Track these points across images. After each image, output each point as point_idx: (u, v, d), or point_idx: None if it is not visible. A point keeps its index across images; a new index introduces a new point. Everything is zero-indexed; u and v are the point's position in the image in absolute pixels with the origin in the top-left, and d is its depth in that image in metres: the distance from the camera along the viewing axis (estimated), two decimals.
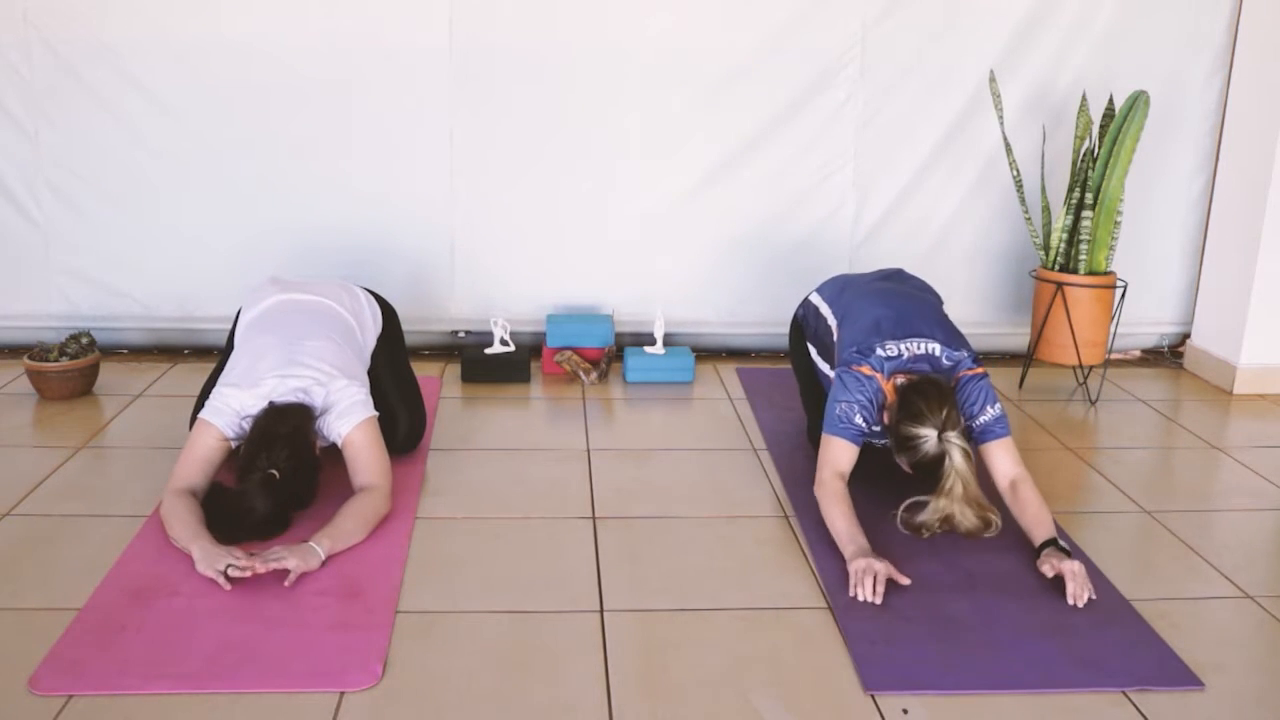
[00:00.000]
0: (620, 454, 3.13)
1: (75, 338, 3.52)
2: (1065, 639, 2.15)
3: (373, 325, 3.03)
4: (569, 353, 3.84)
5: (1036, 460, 3.16)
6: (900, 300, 2.83)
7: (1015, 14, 3.91)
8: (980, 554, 2.48)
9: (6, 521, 2.59)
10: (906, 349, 2.62)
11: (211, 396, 2.60)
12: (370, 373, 2.88)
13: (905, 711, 1.92)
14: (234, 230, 3.95)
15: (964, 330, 2.84)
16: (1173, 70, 4.00)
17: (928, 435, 2.44)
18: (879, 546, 2.45)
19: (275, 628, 2.11)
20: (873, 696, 1.96)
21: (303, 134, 3.89)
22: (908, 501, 2.56)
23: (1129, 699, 1.97)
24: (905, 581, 2.32)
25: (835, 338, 2.85)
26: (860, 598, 2.26)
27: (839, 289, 3.04)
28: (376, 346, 3.01)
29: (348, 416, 2.59)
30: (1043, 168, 3.85)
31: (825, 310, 2.99)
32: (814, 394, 3.08)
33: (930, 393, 2.48)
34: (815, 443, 2.85)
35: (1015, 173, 3.76)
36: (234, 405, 2.55)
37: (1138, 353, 4.39)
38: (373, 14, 3.79)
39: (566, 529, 2.62)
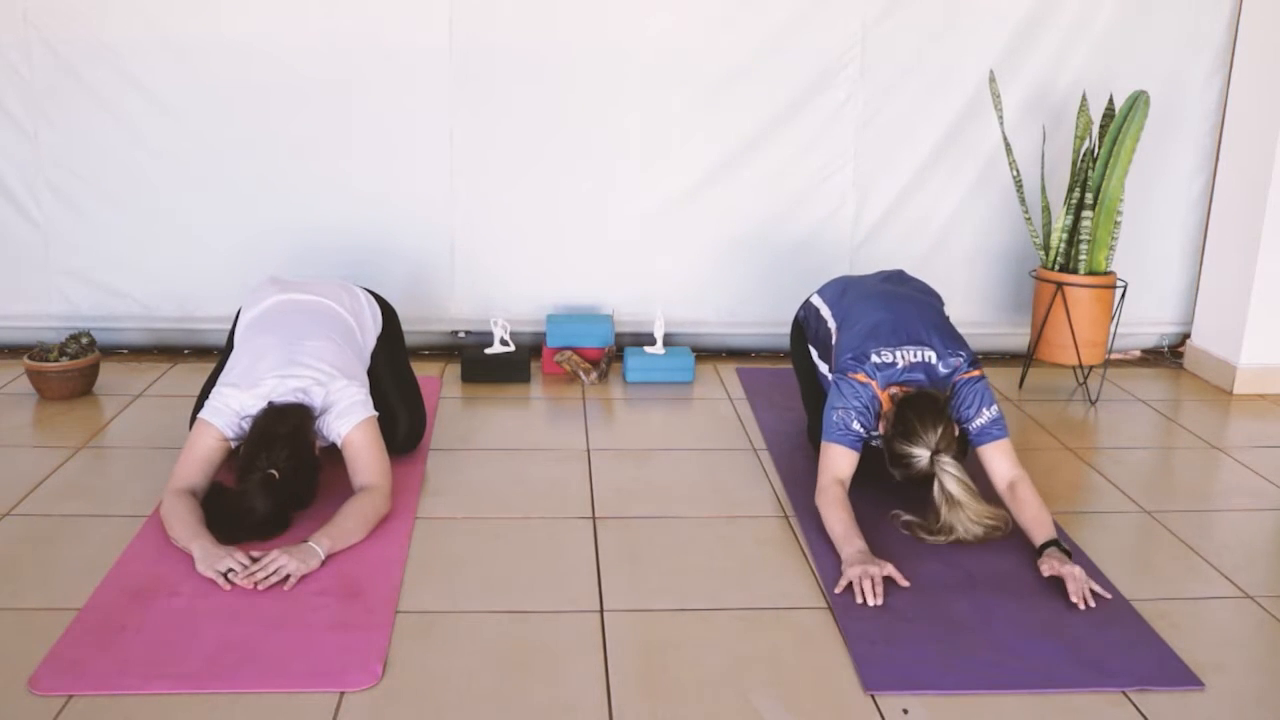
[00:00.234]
0: (620, 454, 3.13)
1: (75, 338, 3.52)
2: (1065, 639, 2.15)
3: (373, 325, 3.03)
4: (569, 353, 3.84)
5: (1036, 460, 3.16)
6: (899, 304, 2.82)
7: (1015, 14, 3.91)
8: (980, 554, 2.48)
9: (6, 521, 2.59)
10: (902, 356, 2.63)
11: (211, 396, 2.60)
12: (370, 373, 2.88)
13: (905, 711, 1.92)
14: (234, 230, 3.95)
15: (964, 330, 2.85)
16: (1173, 70, 4.00)
17: (920, 455, 2.47)
18: (879, 547, 2.46)
19: (275, 628, 2.11)
20: (873, 696, 1.96)
21: (303, 134, 3.89)
22: (907, 518, 2.57)
23: (1129, 699, 1.97)
24: (905, 583, 2.32)
25: (834, 341, 2.85)
26: (859, 603, 2.26)
27: (840, 291, 3.04)
28: (376, 346, 3.01)
29: (347, 416, 2.59)
30: (1043, 168, 3.85)
31: (826, 313, 2.99)
32: (815, 394, 3.08)
33: (925, 410, 2.50)
34: (815, 443, 2.86)
35: (1015, 173, 3.76)
36: (234, 405, 2.55)
37: (1138, 353, 4.39)
38: (373, 14, 3.79)
39: (566, 529, 2.62)
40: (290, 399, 2.57)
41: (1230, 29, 3.97)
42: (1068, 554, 2.39)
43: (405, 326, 3.30)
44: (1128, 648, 2.12)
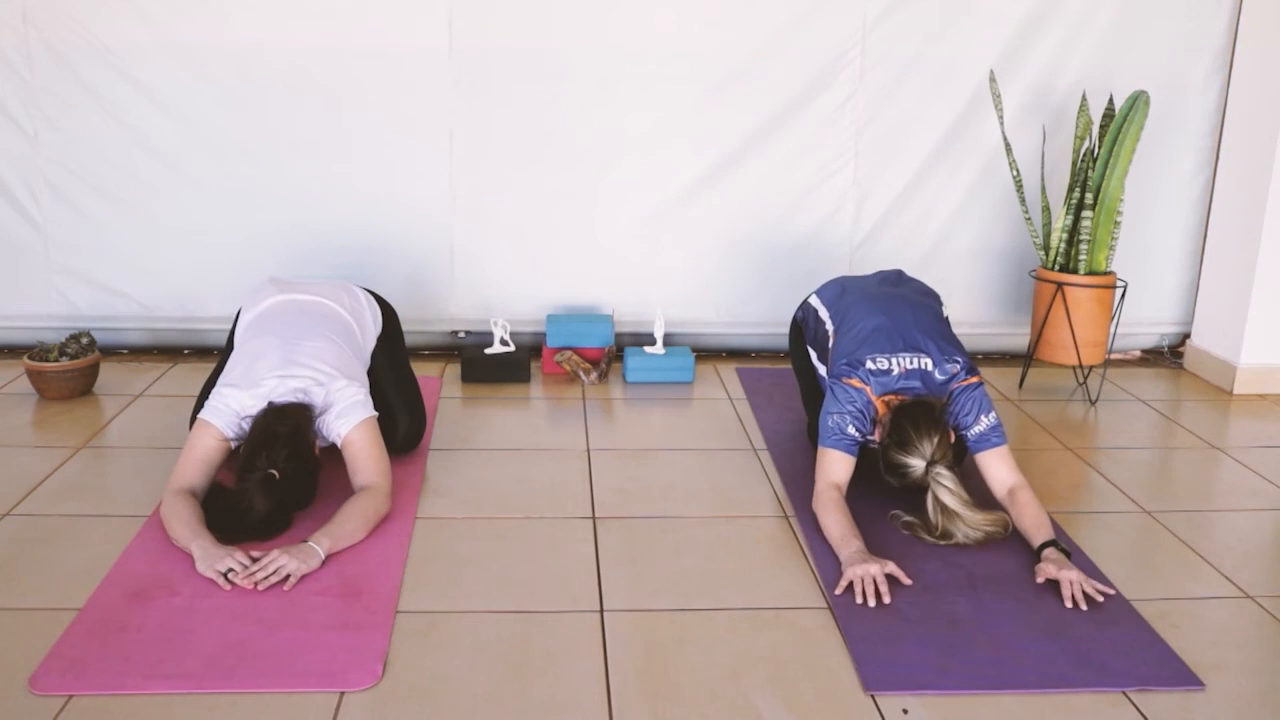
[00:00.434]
0: (620, 454, 3.13)
1: (75, 338, 3.52)
2: (1065, 639, 2.15)
3: (373, 325, 3.03)
4: (569, 353, 3.84)
5: (1036, 460, 3.16)
6: (897, 308, 2.82)
7: (1015, 14, 3.91)
8: (980, 554, 2.48)
9: (6, 521, 2.59)
10: (898, 363, 2.63)
11: (211, 397, 2.60)
12: (370, 373, 2.88)
13: (905, 711, 1.92)
14: (234, 230, 3.95)
15: (964, 330, 2.85)
16: (1173, 70, 4.00)
17: (916, 466, 2.49)
18: (879, 547, 2.46)
19: (275, 628, 2.11)
20: (873, 696, 1.96)
21: (303, 134, 3.89)
22: (907, 519, 2.58)
23: (1129, 699, 1.97)
24: (907, 581, 2.32)
25: (831, 344, 2.85)
26: (859, 603, 2.26)
27: (838, 292, 3.04)
28: (376, 347, 3.01)
29: (347, 416, 2.59)
30: (1043, 168, 3.85)
31: (824, 314, 2.99)
32: (815, 394, 3.08)
33: (920, 419, 2.51)
34: (815, 442, 2.86)
35: (1015, 173, 3.76)
36: (234, 406, 2.55)
37: (1138, 353, 4.39)
38: (372, 15, 3.79)
39: (566, 529, 2.62)
40: (290, 399, 2.57)
41: (1230, 29, 3.97)
42: (1066, 553, 2.39)
43: (405, 326, 3.30)
44: (1128, 648, 2.12)
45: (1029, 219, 3.79)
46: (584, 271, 4.09)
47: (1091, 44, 3.96)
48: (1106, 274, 3.71)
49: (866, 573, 2.29)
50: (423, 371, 3.71)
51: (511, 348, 3.88)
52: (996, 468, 2.58)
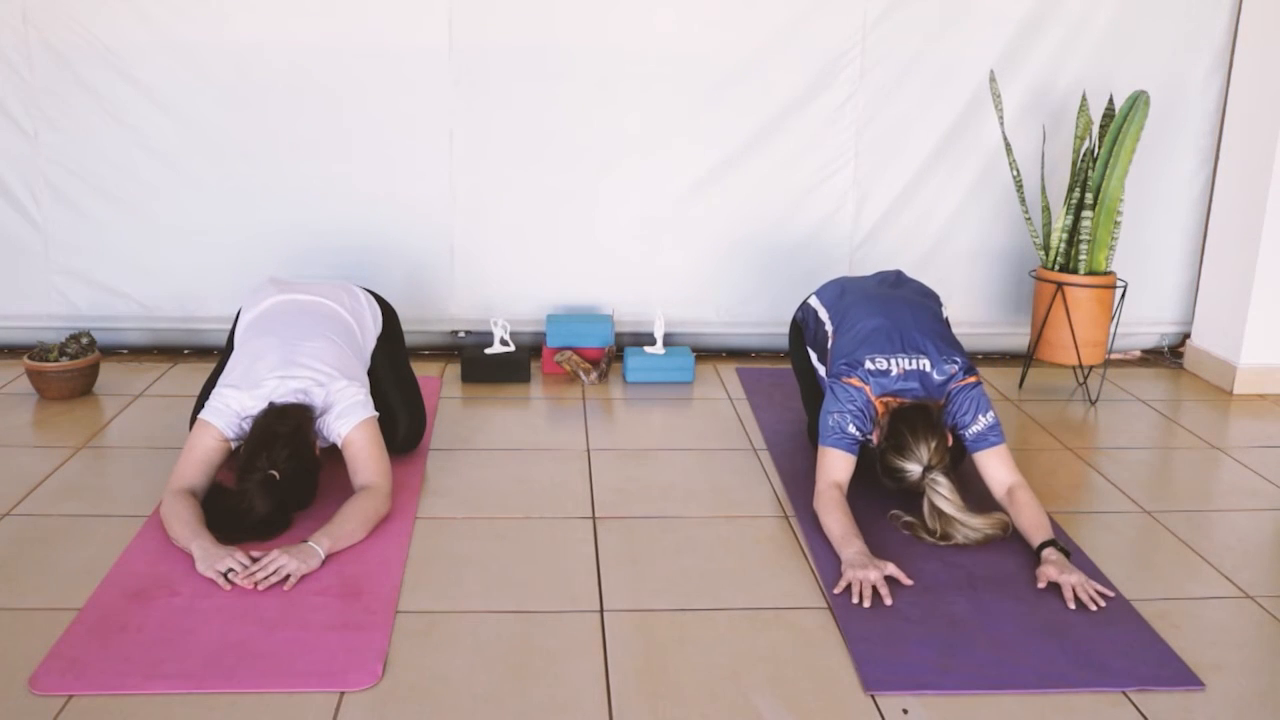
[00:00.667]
0: (620, 454, 3.13)
1: (75, 338, 3.52)
2: (1065, 639, 2.15)
3: (373, 325, 3.03)
4: (569, 353, 3.84)
5: (1036, 460, 3.16)
6: (896, 309, 2.82)
7: (1015, 14, 3.91)
8: (980, 554, 2.48)
9: (6, 521, 2.59)
10: (896, 364, 2.64)
11: (211, 397, 2.60)
12: (370, 373, 2.88)
13: (905, 711, 1.92)
14: (234, 230, 3.95)
15: (964, 330, 2.85)
16: (1173, 70, 4.00)
17: (913, 470, 2.50)
18: (879, 547, 2.46)
19: (275, 628, 2.11)
20: (873, 696, 1.96)
21: (303, 134, 3.89)
22: (907, 519, 2.58)
23: (1129, 699, 1.97)
24: (907, 581, 2.32)
25: (830, 344, 2.86)
26: (856, 603, 2.26)
27: (838, 293, 3.04)
28: (376, 347, 3.01)
29: (347, 416, 2.59)
30: (1043, 168, 3.85)
31: (823, 315, 2.99)
32: (815, 394, 3.08)
33: (918, 424, 2.52)
34: (815, 442, 2.86)
35: (1015, 173, 3.76)
36: (234, 406, 2.55)
37: (1138, 353, 4.39)
38: (372, 15, 3.79)
39: (566, 529, 2.62)
40: (290, 399, 2.57)
41: (1230, 29, 3.97)
42: (1066, 553, 2.39)
43: (405, 326, 3.30)
44: (1128, 648, 2.12)
45: (1029, 219, 3.79)
46: (584, 271, 4.09)
47: (1091, 44, 3.96)
48: (1106, 274, 3.71)
49: (865, 577, 2.29)
50: (423, 371, 3.71)
51: (511, 348, 3.88)
52: (995, 467, 2.59)
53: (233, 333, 2.93)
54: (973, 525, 2.47)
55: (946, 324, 2.94)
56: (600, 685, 1.98)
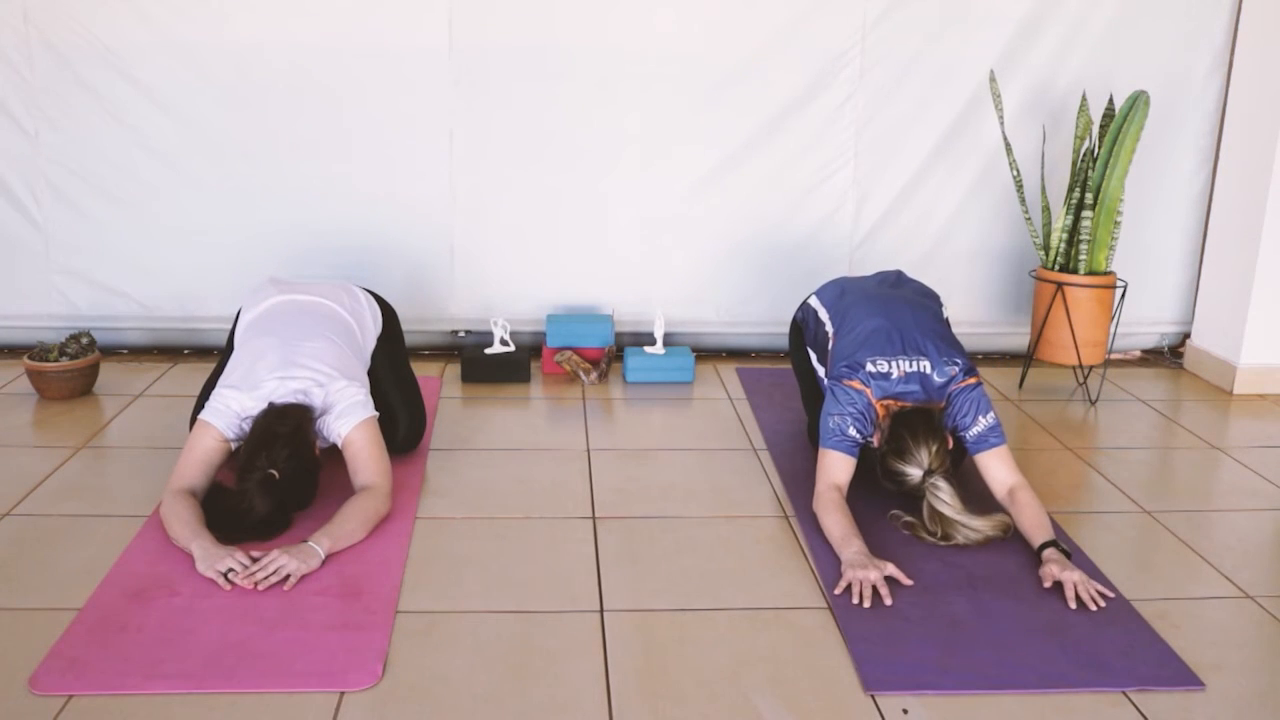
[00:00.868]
0: (620, 454, 3.13)
1: (75, 338, 3.52)
2: (1065, 639, 2.15)
3: (373, 326, 3.03)
4: (569, 353, 3.84)
5: (1036, 460, 3.16)
6: (897, 309, 2.82)
7: (1015, 14, 3.91)
8: (980, 554, 2.48)
9: (6, 521, 2.59)
10: (897, 366, 2.64)
11: (212, 398, 2.60)
12: (370, 373, 2.88)
13: (905, 711, 1.92)
14: (234, 230, 3.95)
15: (964, 330, 2.85)
16: (1173, 70, 4.00)
17: (913, 474, 2.51)
18: (879, 547, 2.46)
19: (275, 628, 2.11)
20: (873, 696, 1.96)
21: (303, 134, 3.89)
22: (907, 519, 2.58)
23: (1129, 699, 1.97)
24: (907, 582, 2.32)
25: (831, 346, 2.86)
26: (855, 603, 2.26)
27: (838, 294, 3.04)
28: (376, 347, 3.01)
29: (347, 417, 2.59)
30: (1043, 168, 3.85)
31: (824, 315, 2.99)
32: (815, 394, 3.08)
33: (919, 428, 2.53)
34: (815, 443, 2.86)
35: (1015, 173, 3.76)
36: (234, 407, 2.55)
37: (1138, 353, 4.39)
38: (372, 15, 3.79)
39: (566, 529, 2.62)
40: (290, 400, 2.57)
41: (1230, 29, 3.97)
42: (1066, 554, 2.39)
43: (405, 326, 3.30)
44: (1128, 648, 2.12)
45: (1029, 219, 3.79)
46: (584, 271, 4.09)
47: (1091, 44, 3.96)
48: (1106, 274, 3.71)
49: (865, 577, 2.29)
50: (423, 371, 3.71)
51: (511, 348, 3.88)
52: (996, 468, 2.59)
53: (233, 333, 2.93)
54: (973, 527, 2.48)
55: (947, 324, 2.94)
56: (600, 685, 1.98)
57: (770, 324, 4.13)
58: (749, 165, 4.01)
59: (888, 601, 2.25)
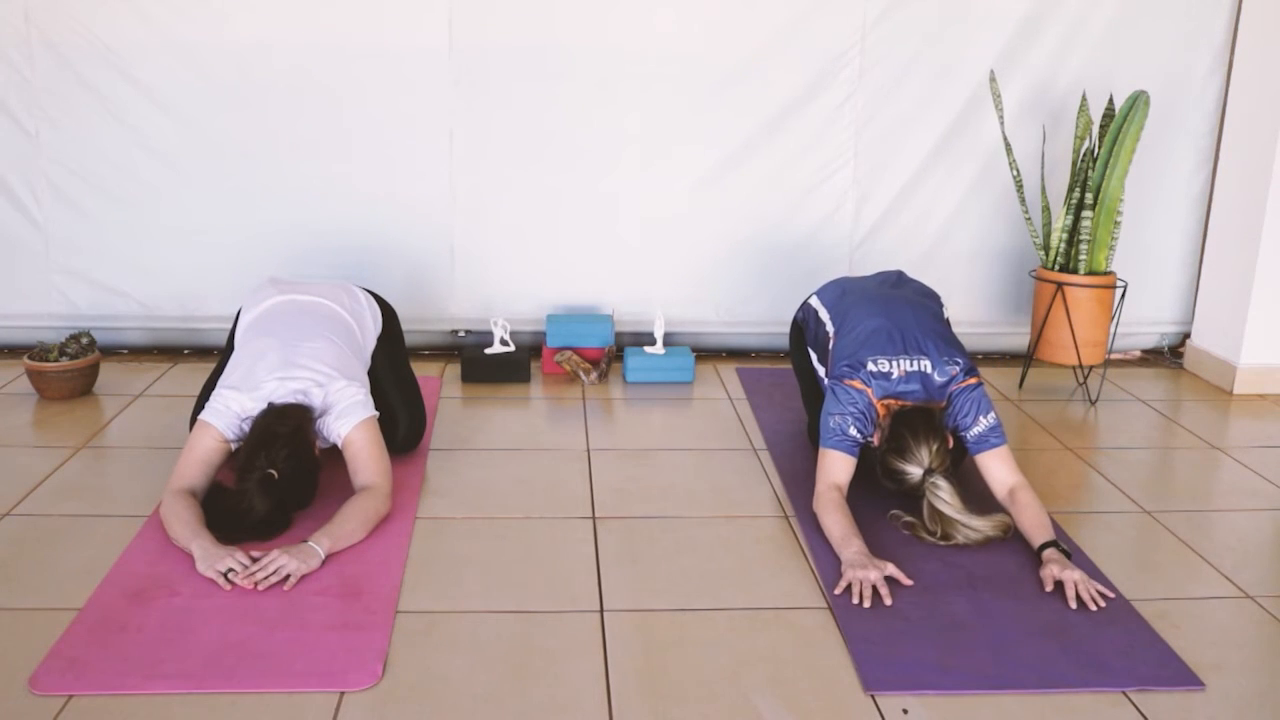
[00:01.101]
0: (620, 454, 3.13)
1: (75, 338, 3.52)
2: (1065, 639, 2.15)
3: (373, 326, 3.03)
4: (569, 353, 3.84)
5: (1036, 460, 3.16)
6: (897, 309, 2.82)
7: (1015, 14, 3.91)
8: (980, 554, 2.48)
9: (6, 521, 2.59)
10: (897, 366, 2.64)
11: (212, 398, 2.60)
12: (370, 373, 2.88)
13: (905, 711, 1.92)
14: (234, 230, 3.95)
15: (964, 330, 2.85)
16: (1173, 70, 4.00)
17: (913, 473, 2.51)
18: (879, 547, 2.46)
19: (275, 628, 2.11)
20: (873, 696, 1.96)
21: (303, 134, 3.89)
22: (907, 519, 2.58)
23: (1129, 699, 1.97)
24: (908, 582, 2.32)
25: (831, 345, 2.86)
26: (855, 603, 2.26)
27: (838, 294, 3.04)
28: (376, 347, 3.01)
29: (347, 417, 2.59)
30: (1043, 168, 3.85)
31: (824, 315, 2.99)
32: (815, 394, 3.08)
33: (919, 427, 2.53)
34: (815, 443, 2.86)
35: (1015, 173, 3.76)
36: (234, 408, 2.55)
37: (1138, 353, 4.39)
38: (372, 14, 3.79)
39: (566, 529, 2.62)
40: (290, 400, 2.57)
41: (1230, 29, 3.97)
42: (1066, 554, 2.39)
43: (405, 326, 3.30)
44: (1128, 648, 2.12)
45: (1029, 219, 3.79)
46: (584, 271, 4.09)
47: (1091, 43, 3.96)
48: (1106, 274, 3.71)
49: (865, 577, 2.29)
50: (423, 371, 3.71)
51: (511, 348, 3.88)
52: (997, 468, 2.59)
53: (233, 333, 2.93)
54: (974, 526, 2.48)
55: (947, 324, 2.94)
56: (600, 685, 1.98)
57: (770, 324, 4.13)
58: (749, 165, 4.01)
59: (888, 601, 2.25)
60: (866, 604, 2.24)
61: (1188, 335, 4.25)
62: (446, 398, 3.62)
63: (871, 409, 2.62)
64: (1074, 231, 3.71)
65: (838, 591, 2.29)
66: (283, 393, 2.57)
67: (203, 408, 2.60)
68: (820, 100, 3.95)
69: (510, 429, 3.33)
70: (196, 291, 4.00)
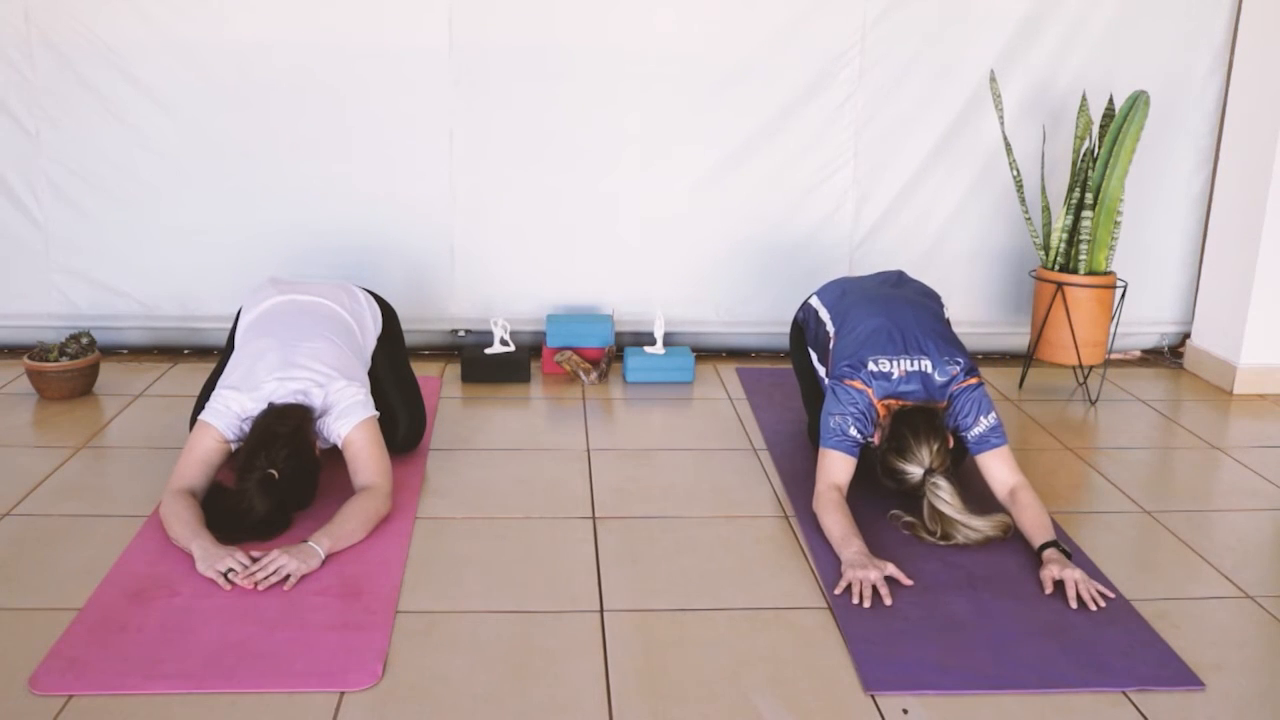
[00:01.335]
0: (620, 454, 3.13)
1: (75, 338, 3.52)
2: (1065, 639, 2.15)
3: (373, 326, 3.03)
4: (569, 353, 3.84)
5: (1036, 460, 3.16)
6: (898, 309, 2.82)
7: (1015, 14, 3.91)
8: (980, 554, 2.48)
9: (6, 521, 2.59)
10: (898, 366, 2.64)
11: (212, 399, 2.60)
12: (370, 373, 2.88)
13: (905, 711, 1.92)
14: (234, 230, 3.95)
15: (964, 330, 2.85)
16: (1173, 70, 4.00)
17: (914, 473, 2.51)
18: (879, 547, 2.46)
19: (275, 628, 2.11)
20: (873, 696, 1.96)
21: (303, 134, 3.89)
22: (907, 519, 2.58)
23: (1129, 699, 1.97)
24: (908, 582, 2.32)
25: (832, 345, 2.86)
26: (855, 603, 2.26)
27: (839, 294, 3.04)
28: (376, 347, 3.01)
29: (347, 417, 2.59)
30: (1043, 168, 3.85)
31: (824, 315, 2.99)
32: (815, 394, 3.08)
33: (920, 426, 2.53)
34: (815, 443, 2.86)
35: (1015, 173, 3.76)
36: (234, 408, 2.55)
37: (1138, 353, 4.39)
38: (373, 14, 3.79)
39: (566, 529, 2.62)
40: (290, 400, 2.57)
41: (1230, 28, 3.97)
42: (1067, 554, 2.39)
43: (405, 326, 3.30)
44: (1128, 648, 2.12)
45: (1029, 219, 3.79)
46: (584, 271, 4.09)
47: (1091, 43, 3.96)
48: (1106, 274, 3.71)
49: (865, 577, 2.29)
50: (423, 371, 3.71)
51: (511, 348, 3.88)
52: (997, 468, 2.59)
53: (233, 333, 2.93)
54: (974, 526, 2.48)
55: (948, 324, 2.94)
56: (600, 685, 1.98)
57: (770, 324, 4.13)
58: (749, 165, 4.01)
59: (888, 601, 2.25)
60: (866, 604, 2.24)
61: (1188, 335, 4.25)
62: (446, 398, 3.62)
63: (872, 409, 2.62)
64: (1074, 231, 3.71)
65: (838, 591, 2.29)
66: (283, 393, 2.57)
67: (203, 408, 2.60)
68: (820, 100, 3.95)
69: (510, 429, 3.33)
70: (196, 291, 4.00)
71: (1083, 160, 3.68)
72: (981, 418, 2.59)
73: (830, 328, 2.92)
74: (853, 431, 2.60)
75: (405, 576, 2.35)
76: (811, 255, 4.09)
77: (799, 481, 2.88)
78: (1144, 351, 4.40)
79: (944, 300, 3.10)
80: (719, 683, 1.99)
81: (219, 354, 3.41)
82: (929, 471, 2.49)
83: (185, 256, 3.97)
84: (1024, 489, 2.55)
